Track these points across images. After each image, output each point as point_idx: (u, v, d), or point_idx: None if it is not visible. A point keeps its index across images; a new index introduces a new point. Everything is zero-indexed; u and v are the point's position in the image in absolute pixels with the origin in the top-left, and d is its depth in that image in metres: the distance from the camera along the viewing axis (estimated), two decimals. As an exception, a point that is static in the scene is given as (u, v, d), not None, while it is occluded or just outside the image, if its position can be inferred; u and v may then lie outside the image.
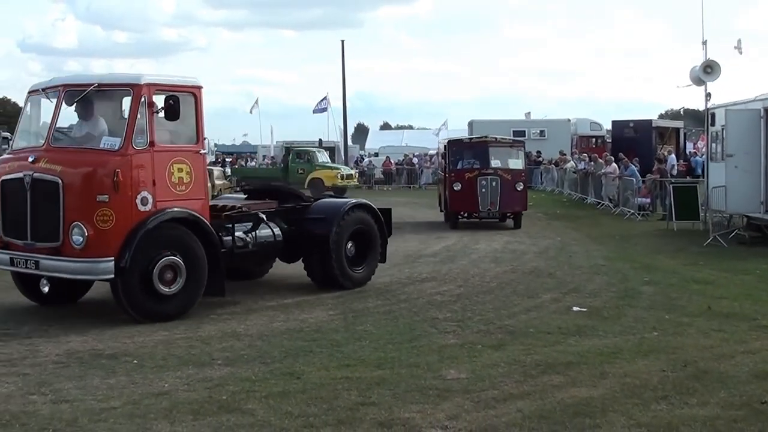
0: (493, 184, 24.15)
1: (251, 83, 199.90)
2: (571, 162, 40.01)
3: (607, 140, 48.81)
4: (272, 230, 13.10)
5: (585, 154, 39.16)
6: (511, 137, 31.10)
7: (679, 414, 7.00)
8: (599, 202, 30.95)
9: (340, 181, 42.58)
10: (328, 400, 7.39)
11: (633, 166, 28.91)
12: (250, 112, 64.98)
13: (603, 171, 31.01)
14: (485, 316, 11.33)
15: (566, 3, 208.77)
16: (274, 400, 7.42)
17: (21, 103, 13.53)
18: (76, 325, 10.78)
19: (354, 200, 14.38)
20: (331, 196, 16.09)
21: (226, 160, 54.47)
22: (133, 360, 8.96)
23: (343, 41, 58.83)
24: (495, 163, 24.69)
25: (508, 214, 24.89)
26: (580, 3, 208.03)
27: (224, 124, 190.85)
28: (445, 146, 27.65)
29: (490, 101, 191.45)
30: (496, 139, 26.28)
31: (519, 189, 24.48)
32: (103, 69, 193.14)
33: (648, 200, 27.21)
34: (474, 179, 24.29)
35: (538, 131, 50.45)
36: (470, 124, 48.79)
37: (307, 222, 13.55)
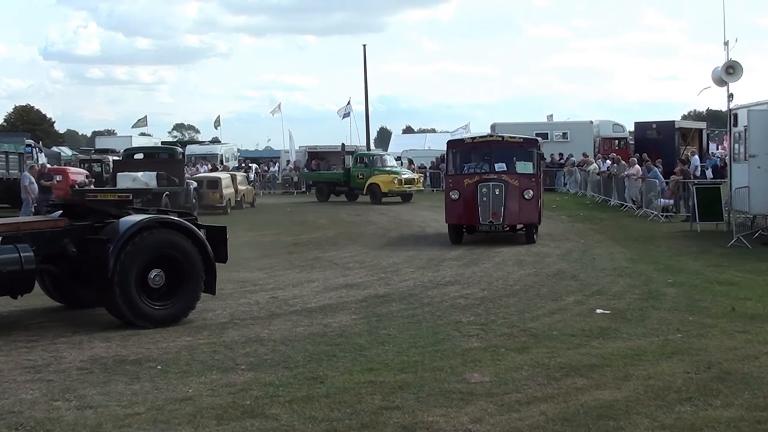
0: (497, 191, 20.43)
1: (273, 88, 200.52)
2: (594, 164, 39.86)
3: (630, 142, 48.64)
4: (20, 255, 10.46)
5: (613, 154, 39.00)
6: (522, 135, 24.97)
7: (703, 416, 6.97)
8: (622, 204, 30.79)
9: (397, 186, 39.29)
10: (351, 405, 7.42)
11: (656, 168, 28.78)
12: (272, 115, 65.25)
13: (626, 173, 30.87)
14: (509, 320, 11.32)
15: (588, 4, 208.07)
16: (298, 404, 7.45)
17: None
18: (100, 331, 10.85)
19: (155, 217, 11.70)
20: (161, 211, 12.88)
21: (250, 165, 54.54)
22: (157, 365, 9.02)
23: (365, 46, 59.10)
24: (500, 166, 21.19)
25: (518, 227, 21.36)
26: (602, 3, 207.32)
27: (247, 129, 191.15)
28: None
29: (513, 104, 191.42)
30: (503, 138, 22.85)
31: (528, 197, 20.66)
32: (125, 76, 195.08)
33: (671, 201, 27.06)
34: (474, 186, 20.68)
35: (561, 134, 50.19)
36: (493, 127, 48.52)
37: (94, 245, 11.10)
